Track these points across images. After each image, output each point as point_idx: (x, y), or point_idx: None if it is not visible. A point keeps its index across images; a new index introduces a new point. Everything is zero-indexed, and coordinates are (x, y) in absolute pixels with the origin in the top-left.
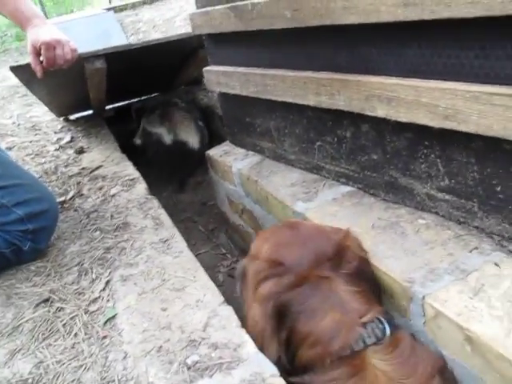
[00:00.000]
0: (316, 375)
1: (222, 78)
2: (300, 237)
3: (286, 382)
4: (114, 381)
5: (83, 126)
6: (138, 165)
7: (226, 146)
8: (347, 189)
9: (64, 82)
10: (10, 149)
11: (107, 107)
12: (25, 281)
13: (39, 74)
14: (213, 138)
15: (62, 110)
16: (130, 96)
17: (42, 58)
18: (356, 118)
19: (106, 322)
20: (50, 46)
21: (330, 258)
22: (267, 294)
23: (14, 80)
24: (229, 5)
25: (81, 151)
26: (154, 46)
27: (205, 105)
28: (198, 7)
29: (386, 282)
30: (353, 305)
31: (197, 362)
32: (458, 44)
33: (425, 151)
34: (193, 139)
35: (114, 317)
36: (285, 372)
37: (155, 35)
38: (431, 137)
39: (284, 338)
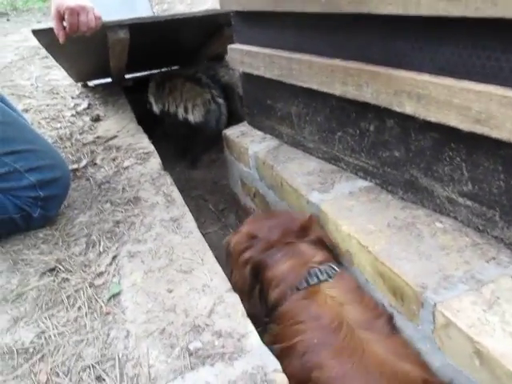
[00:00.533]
0: (282, 307)
1: (246, 57)
2: (273, 218)
3: (264, 322)
4: (114, 359)
5: (101, 94)
6: (153, 137)
7: (243, 127)
8: (365, 183)
9: (85, 49)
10: (26, 111)
11: (126, 76)
12: (32, 247)
13: (61, 39)
14: (231, 116)
15: (80, 75)
16: (150, 67)
17: (65, 24)
18: (381, 112)
19: (110, 298)
20: (74, 12)
21: (294, 232)
22: (246, 259)
23: (35, 41)
24: None
25: (97, 119)
26: (179, 20)
27: (225, 82)
28: None
29: (397, 284)
30: (309, 253)
31: (199, 349)
32: (500, 46)
33: (450, 153)
34: (208, 117)
35: (118, 293)
36: (262, 316)
37: (180, 7)
38: (459, 139)
39: (258, 290)
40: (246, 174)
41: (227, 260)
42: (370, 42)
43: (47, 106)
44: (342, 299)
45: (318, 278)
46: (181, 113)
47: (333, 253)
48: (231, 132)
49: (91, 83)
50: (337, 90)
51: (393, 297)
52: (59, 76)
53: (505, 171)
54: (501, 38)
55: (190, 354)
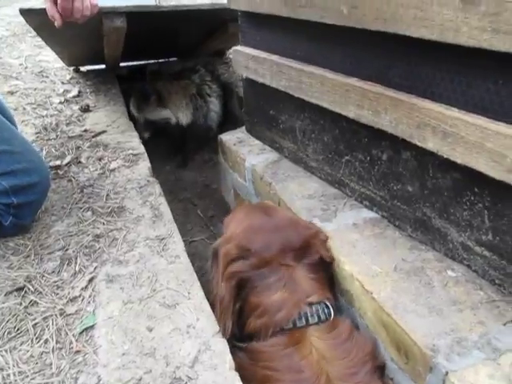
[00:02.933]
0: (258, 342)
1: (251, 62)
2: (272, 225)
3: (233, 346)
4: None
5: (93, 81)
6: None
7: (241, 134)
8: (370, 214)
9: (78, 34)
10: (12, 93)
11: (121, 64)
12: (0, 259)
13: (58, 22)
14: (228, 116)
15: (72, 60)
16: (147, 56)
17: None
18: (398, 143)
19: (82, 332)
20: None
21: (294, 250)
22: (233, 272)
23: None
24: None
25: (86, 109)
26: (182, 11)
27: (224, 80)
28: None
29: (402, 340)
30: (304, 287)
31: None
32: None
33: (472, 198)
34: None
35: (92, 327)
36: (234, 338)
37: None
38: (484, 184)
39: (238, 308)
40: (241, 185)
41: (212, 266)
42: (392, 64)
43: (35, 90)
44: (327, 353)
45: (307, 320)
46: (172, 119)
47: (333, 278)
48: (228, 138)
49: (84, 68)
50: (351, 112)
51: (396, 352)
52: (50, 57)
53: None
54: None
55: None
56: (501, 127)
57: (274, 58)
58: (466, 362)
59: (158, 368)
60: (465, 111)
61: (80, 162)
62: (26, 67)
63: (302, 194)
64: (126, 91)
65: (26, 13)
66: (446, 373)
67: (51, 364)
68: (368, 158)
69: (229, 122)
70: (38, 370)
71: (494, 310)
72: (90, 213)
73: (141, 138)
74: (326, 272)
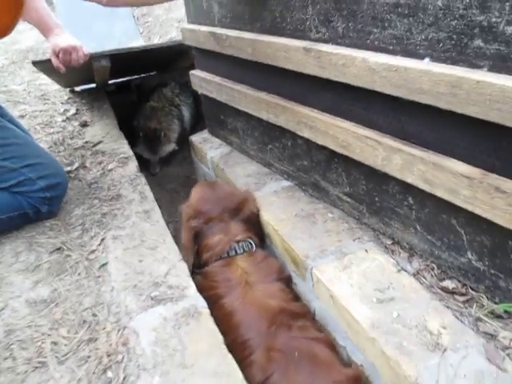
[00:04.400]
0: (207, 267)
1: (203, 82)
2: (216, 195)
3: (193, 272)
4: (103, 303)
5: (87, 99)
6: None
7: (205, 134)
8: (287, 184)
9: (73, 70)
10: (22, 117)
11: (109, 81)
12: (42, 234)
13: (62, 70)
14: (200, 118)
15: (68, 83)
16: (130, 74)
17: (60, 60)
18: (293, 134)
19: (100, 267)
20: (67, 52)
21: (230, 210)
22: (191, 227)
23: (24, 43)
24: (210, 29)
25: (84, 124)
26: (152, 49)
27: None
28: (188, 22)
29: (294, 255)
30: (234, 232)
31: (157, 296)
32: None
33: (336, 166)
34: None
35: (105, 264)
36: (194, 267)
37: (159, 12)
38: (338, 156)
39: (195, 250)
40: (206, 172)
41: (180, 221)
42: (283, 83)
43: (40, 111)
44: (248, 268)
45: (235, 251)
46: (176, 147)
47: (261, 228)
48: (196, 138)
49: (78, 88)
50: (263, 116)
51: (293, 264)
52: (48, 81)
53: (364, 179)
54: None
55: (152, 299)
56: (336, 121)
57: (217, 79)
58: (323, 261)
59: (145, 279)
60: (320, 111)
61: (85, 166)
62: (29, 92)
63: (243, 174)
64: (115, 104)
65: (38, 63)
66: (312, 268)
67: (83, 284)
68: (281, 145)
69: (203, 122)
70: (77, 287)
71: (351, 233)
72: (97, 200)
73: (152, 174)
74: (254, 224)
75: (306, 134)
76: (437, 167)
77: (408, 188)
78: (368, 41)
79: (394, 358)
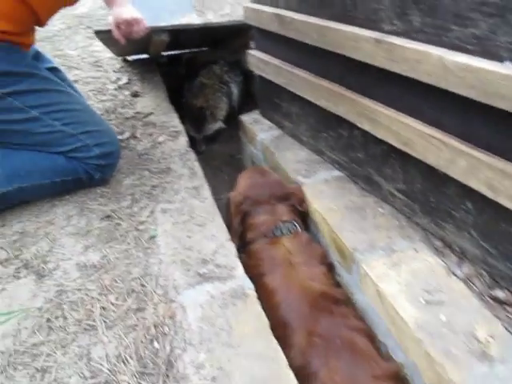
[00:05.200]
0: (252, 245)
1: (260, 63)
2: (264, 182)
3: (239, 252)
4: (151, 275)
5: (138, 70)
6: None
7: (256, 115)
8: (338, 173)
9: (131, 41)
10: (75, 82)
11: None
12: (93, 200)
13: (123, 41)
14: (249, 97)
15: (121, 52)
16: (183, 48)
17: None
18: (351, 125)
19: (149, 239)
20: (130, 24)
21: (277, 197)
22: (239, 210)
23: (79, 9)
24: (274, 10)
25: (135, 95)
26: (211, 27)
27: (246, 68)
28: (252, 1)
29: (341, 247)
30: (280, 213)
31: (205, 273)
32: None
33: (392, 161)
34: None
35: (155, 236)
36: (239, 247)
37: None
38: (396, 152)
39: (241, 230)
40: (255, 154)
41: (227, 209)
42: (347, 73)
43: (93, 78)
44: (292, 249)
45: (281, 231)
46: (222, 125)
47: (305, 218)
48: (246, 119)
49: (130, 58)
50: (322, 103)
51: (339, 255)
52: (101, 48)
53: (421, 178)
54: None
55: (199, 275)
56: (400, 116)
57: (276, 61)
58: (372, 256)
59: (193, 255)
60: (385, 105)
61: (136, 136)
62: (83, 58)
63: (294, 160)
64: (164, 75)
65: (99, 33)
66: (360, 261)
67: (132, 254)
68: (336, 135)
69: (251, 101)
70: (126, 257)
71: (401, 230)
72: (147, 172)
73: (197, 152)
74: (299, 213)
75: (366, 126)
76: (505, 174)
77: (468, 192)
78: (445, 38)
79: (439, 361)
